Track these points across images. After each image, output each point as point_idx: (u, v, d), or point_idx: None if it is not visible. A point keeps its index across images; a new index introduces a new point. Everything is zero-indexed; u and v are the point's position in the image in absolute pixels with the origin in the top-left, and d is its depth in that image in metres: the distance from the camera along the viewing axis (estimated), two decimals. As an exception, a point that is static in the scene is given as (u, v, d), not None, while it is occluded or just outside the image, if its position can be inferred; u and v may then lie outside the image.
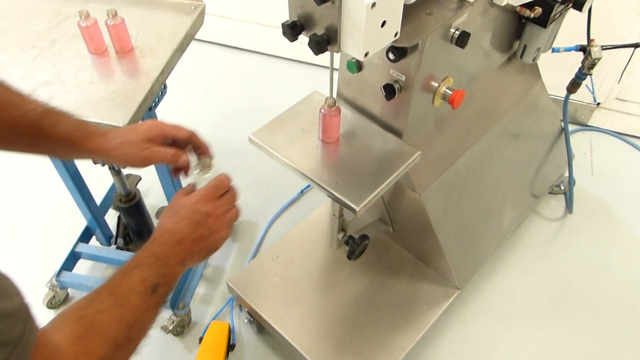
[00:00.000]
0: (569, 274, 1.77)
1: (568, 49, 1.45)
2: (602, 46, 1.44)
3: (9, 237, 1.96)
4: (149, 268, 0.72)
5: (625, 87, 2.13)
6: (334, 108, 1.04)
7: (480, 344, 1.61)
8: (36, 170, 2.16)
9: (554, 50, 1.43)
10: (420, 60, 1.00)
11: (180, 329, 1.63)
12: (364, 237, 1.28)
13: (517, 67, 1.42)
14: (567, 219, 1.93)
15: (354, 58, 1.09)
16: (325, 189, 1.02)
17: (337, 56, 1.07)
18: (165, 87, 1.37)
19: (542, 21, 1.22)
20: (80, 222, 1.77)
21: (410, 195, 1.26)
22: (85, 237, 1.77)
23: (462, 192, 1.39)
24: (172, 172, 0.97)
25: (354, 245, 1.26)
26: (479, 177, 1.43)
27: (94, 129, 0.88)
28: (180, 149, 0.93)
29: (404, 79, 1.04)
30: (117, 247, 1.77)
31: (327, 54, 0.94)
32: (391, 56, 0.98)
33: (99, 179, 1.90)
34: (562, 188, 1.97)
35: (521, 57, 1.34)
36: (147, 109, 1.25)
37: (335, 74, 1.11)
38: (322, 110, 1.04)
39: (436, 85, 1.10)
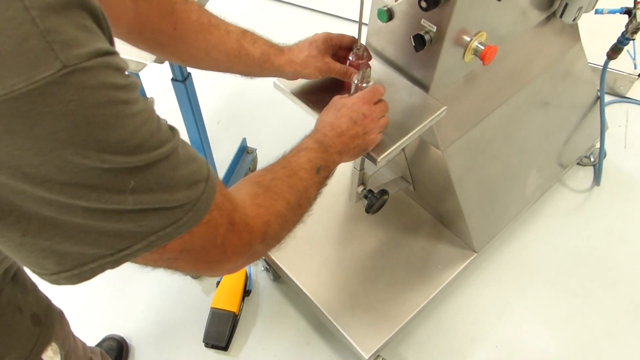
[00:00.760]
0: (590, 246, 1.74)
1: (612, 11, 1.39)
2: (649, 10, 1.38)
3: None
4: (314, 152, 0.81)
5: (670, 59, 2.04)
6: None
7: (492, 307, 1.61)
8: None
9: (597, 12, 1.36)
10: (452, 11, 0.96)
11: (199, 272, 1.67)
12: (383, 192, 1.27)
13: (555, 28, 1.36)
14: (593, 191, 1.89)
15: (385, 6, 1.06)
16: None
17: (367, 5, 1.05)
18: (194, 30, 1.36)
19: (587, -23, 1.17)
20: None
21: (432, 152, 1.24)
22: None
23: (486, 153, 1.36)
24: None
25: (372, 199, 1.26)
26: (505, 139, 1.40)
27: (281, 46, 0.99)
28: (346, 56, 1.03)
29: (434, 30, 1.01)
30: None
31: (357, 2, 0.92)
32: (423, 4, 0.95)
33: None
34: (592, 159, 1.92)
35: (561, 16, 1.28)
36: (175, 50, 1.24)
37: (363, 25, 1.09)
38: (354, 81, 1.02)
39: (468, 39, 1.06)
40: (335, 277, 1.47)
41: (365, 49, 1.03)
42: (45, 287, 0.85)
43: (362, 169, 1.27)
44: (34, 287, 0.82)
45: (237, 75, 1.00)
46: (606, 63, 1.55)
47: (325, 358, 1.52)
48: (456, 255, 1.51)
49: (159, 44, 0.88)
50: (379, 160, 0.97)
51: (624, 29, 1.43)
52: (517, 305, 1.62)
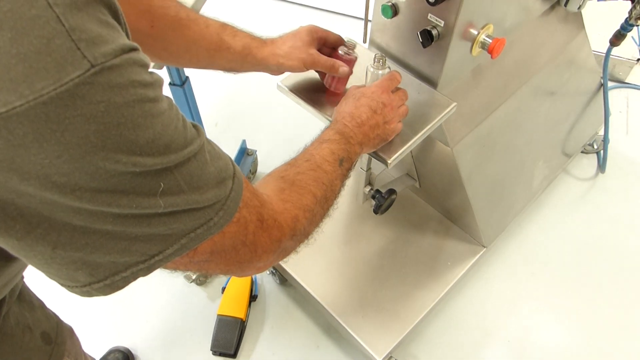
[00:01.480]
0: (597, 234, 1.73)
1: (615, -3, 1.36)
2: (652, -5, 1.35)
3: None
4: (336, 143, 0.80)
5: (669, 42, 2.03)
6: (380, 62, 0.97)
7: (503, 301, 1.59)
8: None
9: (600, -1, 1.34)
10: (461, 4, 0.93)
11: (204, 278, 1.64)
12: (391, 192, 1.24)
13: (559, 16, 1.33)
14: (598, 178, 1.88)
15: (389, 1, 1.02)
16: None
17: (372, 1, 1.02)
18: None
19: (592, -35, 1.14)
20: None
21: (441, 148, 1.21)
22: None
23: (494, 147, 1.34)
24: (326, 77, 1.02)
25: (381, 199, 1.23)
26: (512, 132, 1.38)
27: (264, 38, 0.95)
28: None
29: (442, 25, 0.98)
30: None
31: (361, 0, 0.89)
32: (431, -2, 0.92)
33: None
34: (595, 147, 1.90)
35: (565, 4, 1.26)
36: (172, 53, 1.21)
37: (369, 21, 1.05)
38: (369, 69, 0.97)
39: (476, 32, 1.03)
40: (343, 279, 1.45)
41: (355, 45, 1.00)
42: (50, 302, 0.83)
43: (369, 168, 1.24)
44: (41, 304, 0.79)
45: (220, 71, 0.97)
46: (609, 50, 1.53)
47: (336, 361, 1.50)
48: (465, 250, 1.49)
49: (137, 43, 0.84)
50: (390, 161, 0.94)
51: (627, 15, 1.40)
52: (527, 298, 1.60)
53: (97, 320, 1.61)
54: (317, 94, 1.06)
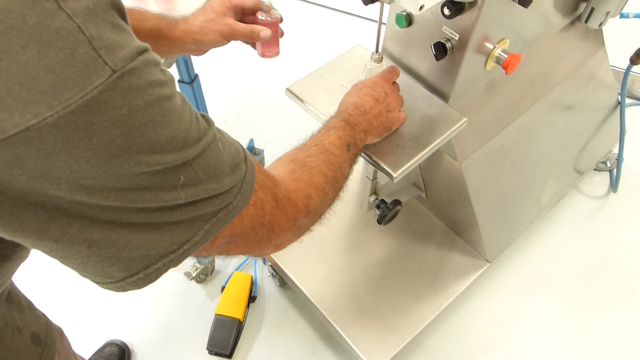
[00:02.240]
0: (605, 255, 1.69)
1: (638, 15, 1.33)
2: (676, 14, 1.31)
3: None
4: (342, 130, 0.81)
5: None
6: (379, 64, 0.97)
7: (505, 317, 1.57)
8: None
9: (622, 16, 1.30)
10: (477, 18, 0.91)
11: (203, 276, 1.64)
12: (396, 202, 1.22)
13: (579, 32, 1.30)
14: (609, 197, 1.84)
15: (404, 11, 1.00)
16: (362, 151, 0.96)
17: (386, 8, 1.00)
18: (201, 29, 1.30)
19: (616, -18, 1.11)
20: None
21: (449, 163, 1.19)
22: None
23: (504, 163, 1.31)
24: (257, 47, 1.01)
25: (385, 210, 1.21)
26: (524, 148, 1.35)
27: (175, 17, 0.90)
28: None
29: (457, 38, 0.96)
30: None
31: (376, 5, 0.87)
32: (446, 11, 0.89)
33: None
34: (609, 165, 1.87)
35: (586, 21, 1.23)
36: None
37: (382, 28, 1.03)
38: (368, 66, 0.97)
39: (491, 47, 1.01)
40: (344, 286, 1.43)
41: (270, 7, 0.95)
42: (41, 302, 0.82)
43: (374, 178, 1.22)
44: (29, 305, 0.79)
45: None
46: (629, 68, 1.49)
47: (332, 368, 1.49)
48: (469, 265, 1.47)
49: None
50: (395, 176, 0.92)
51: (649, 33, 1.37)
52: (530, 315, 1.57)
53: (95, 314, 1.61)
54: (327, 101, 1.04)
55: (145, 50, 0.43)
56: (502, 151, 1.26)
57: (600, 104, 1.59)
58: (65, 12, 0.38)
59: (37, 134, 0.38)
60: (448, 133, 0.98)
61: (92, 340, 1.52)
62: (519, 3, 0.93)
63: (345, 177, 0.80)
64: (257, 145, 1.85)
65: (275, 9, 0.96)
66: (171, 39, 0.89)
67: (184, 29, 0.89)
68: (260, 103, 2.16)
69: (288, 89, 1.05)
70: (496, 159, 1.26)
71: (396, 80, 0.96)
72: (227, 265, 1.69)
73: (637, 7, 1.33)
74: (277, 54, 1.01)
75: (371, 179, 1.20)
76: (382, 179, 1.26)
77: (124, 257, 0.49)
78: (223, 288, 1.60)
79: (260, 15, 0.94)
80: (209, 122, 0.53)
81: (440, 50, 0.97)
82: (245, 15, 0.95)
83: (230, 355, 1.50)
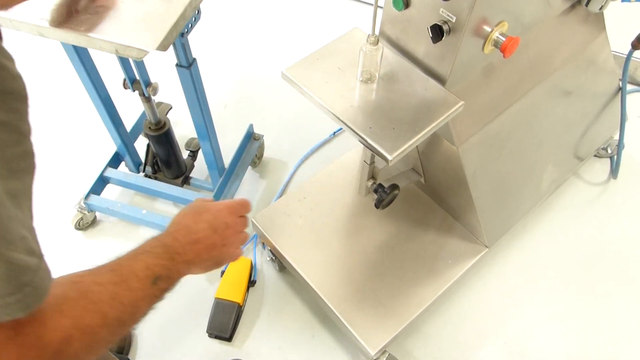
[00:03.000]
0: (604, 242, 1.69)
1: (640, -1, 1.31)
2: (678, -2, 1.30)
3: (41, 159, 1.97)
4: (156, 258, 0.69)
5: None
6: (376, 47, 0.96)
7: (503, 303, 1.57)
8: (68, 94, 2.15)
9: (623, 0, 1.29)
10: (475, 0, 0.90)
11: (203, 260, 1.64)
12: (394, 187, 1.23)
13: (580, 16, 1.29)
14: (609, 184, 1.84)
15: (401, -7, 1.00)
16: (358, 134, 0.96)
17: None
18: (199, 12, 1.30)
19: (616, -35, 1.10)
20: (110, 147, 1.77)
21: (446, 147, 1.19)
22: (114, 162, 1.77)
23: (502, 147, 1.31)
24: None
25: (383, 194, 1.22)
26: (522, 133, 1.35)
27: None
28: None
29: (454, 20, 0.95)
30: (146, 175, 1.77)
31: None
32: (443, -7, 0.89)
33: (130, 105, 1.88)
34: (609, 151, 1.86)
35: (587, 4, 1.22)
36: (179, 34, 1.19)
37: (380, 11, 1.03)
38: (364, 49, 0.97)
39: (489, 29, 1.00)
40: (342, 271, 1.44)
41: None
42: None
43: (372, 162, 1.22)
44: None
45: None
46: (630, 53, 1.48)
47: (330, 351, 1.50)
48: (467, 250, 1.47)
49: None
50: (391, 159, 0.92)
51: (651, 17, 1.36)
52: (528, 301, 1.58)
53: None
54: (323, 84, 1.04)
55: None
56: (500, 136, 1.26)
57: (601, 90, 1.58)
58: None
59: None
60: (444, 117, 0.98)
61: (93, 323, 1.53)
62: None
63: (137, 318, 0.66)
64: (257, 130, 1.85)
65: None
66: None
67: None
68: (260, 88, 2.16)
69: (284, 73, 1.05)
70: (494, 144, 1.26)
71: (247, 215, 0.86)
72: (226, 250, 1.70)
73: (639, -9, 1.32)
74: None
75: (369, 163, 1.20)
76: (380, 163, 1.26)
77: None
78: (223, 272, 1.61)
79: None
80: None
81: (437, 32, 0.96)
82: None
83: (230, 338, 1.52)
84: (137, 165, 1.81)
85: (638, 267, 1.64)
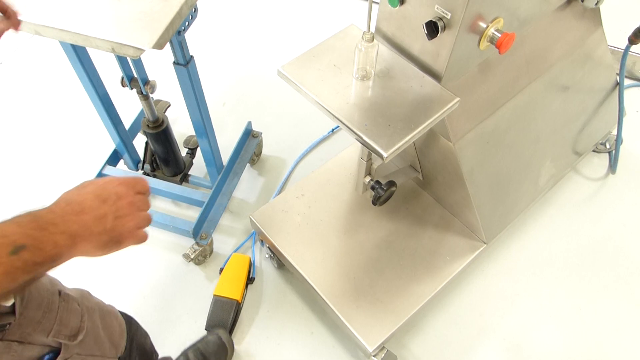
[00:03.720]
0: (603, 237, 1.70)
1: (636, -5, 1.31)
2: (675, -7, 1.30)
3: (39, 157, 1.98)
4: (18, 226, 0.61)
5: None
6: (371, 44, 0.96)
7: (501, 299, 1.58)
8: (67, 92, 2.15)
9: (620, -5, 1.29)
10: (469, -4, 0.90)
11: (202, 258, 1.65)
12: (391, 184, 1.23)
13: (576, 12, 1.29)
14: (608, 179, 1.83)
15: (396, -10, 1.00)
16: (353, 131, 0.96)
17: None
18: (196, 10, 1.30)
19: (612, -40, 1.09)
20: (109, 145, 1.77)
21: (443, 143, 1.19)
22: (113, 160, 1.77)
23: (499, 143, 1.31)
24: None
25: (380, 191, 1.22)
26: (520, 129, 1.35)
27: None
28: None
29: (449, 17, 0.95)
30: (144, 173, 1.77)
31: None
32: (437, -10, 0.89)
33: (128, 103, 1.88)
34: (608, 146, 1.86)
35: (582, 0, 1.21)
36: (176, 32, 1.20)
37: (375, 8, 1.03)
38: (359, 46, 0.97)
39: (484, 26, 1.00)
40: (340, 267, 1.44)
41: None
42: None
43: (369, 159, 1.22)
44: None
45: None
46: (627, 48, 1.48)
47: (329, 348, 1.50)
48: (465, 246, 1.47)
49: None
50: (386, 156, 0.92)
51: (648, 12, 1.36)
52: (526, 297, 1.58)
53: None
54: (319, 81, 1.04)
55: None
56: (496, 132, 1.26)
57: (598, 85, 1.58)
58: None
59: None
60: (440, 113, 0.98)
61: (93, 321, 1.54)
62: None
63: None
64: (255, 127, 1.85)
65: None
66: None
67: None
68: (259, 85, 2.16)
69: (280, 70, 1.05)
70: (491, 140, 1.26)
71: (146, 185, 0.77)
72: (225, 247, 1.71)
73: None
74: None
75: (365, 160, 1.20)
76: (377, 160, 1.26)
77: None
78: (221, 269, 1.62)
79: None
80: None
81: (432, 29, 0.96)
82: None
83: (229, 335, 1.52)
84: (135, 163, 1.81)
85: (637, 262, 1.64)
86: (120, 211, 0.70)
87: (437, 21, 0.95)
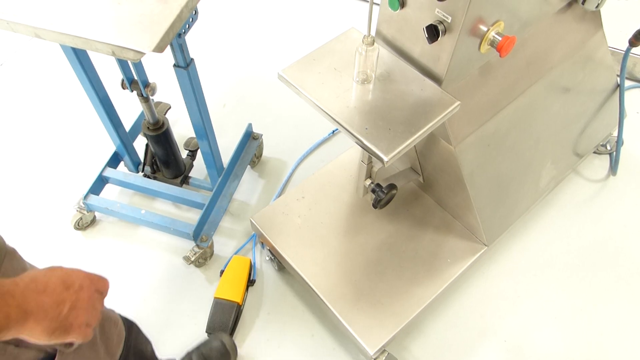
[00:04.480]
0: (604, 238, 1.69)
1: (637, -3, 1.31)
2: (676, -5, 1.30)
3: (39, 160, 1.98)
4: None
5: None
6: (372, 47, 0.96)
7: (503, 301, 1.58)
8: (67, 94, 2.15)
9: (620, -3, 1.29)
10: (470, 0, 0.90)
11: (202, 260, 1.65)
12: (392, 187, 1.23)
13: (576, 14, 1.29)
14: (609, 181, 1.83)
15: (396, -7, 1.00)
16: (354, 135, 0.96)
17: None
18: (196, 12, 1.30)
19: (613, -37, 1.09)
20: (109, 147, 1.77)
21: (443, 146, 1.19)
22: (113, 162, 1.77)
23: (500, 146, 1.31)
24: None
25: (380, 194, 1.22)
26: (520, 131, 1.34)
27: None
28: None
29: (449, 20, 0.95)
30: (145, 175, 1.77)
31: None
32: (438, -6, 0.89)
33: (129, 105, 1.88)
34: (608, 148, 1.86)
35: (583, 3, 1.21)
36: (176, 35, 1.19)
37: (376, 11, 1.03)
38: (359, 50, 0.97)
39: (485, 29, 1.00)
40: (341, 270, 1.44)
41: None
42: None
43: (369, 162, 1.22)
44: None
45: None
46: (628, 50, 1.48)
47: (329, 350, 1.50)
48: (466, 248, 1.47)
49: None
50: (387, 160, 0.92)
51: (649, 14, 1.35)
52: (527, 298, 1.58)
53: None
54: (319, 85, 1.04)
55: None
56: (497, 135, 1.26)
57: (599, 87, 1.58)
58: None
59: None
60: (440, 117, 0.98)
61: (93, 323, 1.54)
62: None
63: None
64: (256, 129, 1.85)
65: None
66: None
67: None
68: (259, 87, 2.16)
69: (280, 74, 1.05)
70: (491, 143, 1.25)
71: (108, 286, 0.77)
72: (226, 249, 1.71)
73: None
74: None
75: (366, 163, 1.20)
76: (377, 163, 1.26)
77: None
78: (222, 272, 1.62)
79: None
80: None
81: (433, 32, 0.96)
82: None
83: (229, 338, 1.52)
84: (136, 165, 1.81)
85: (638, 263, 1.64)
86: (78, 302, 0.69)
87: (438, 25, 0.95)
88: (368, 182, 1.26)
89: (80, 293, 0.70)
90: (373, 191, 1.24)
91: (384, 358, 1.35)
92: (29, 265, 0.86)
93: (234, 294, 1.56)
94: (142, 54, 1.06)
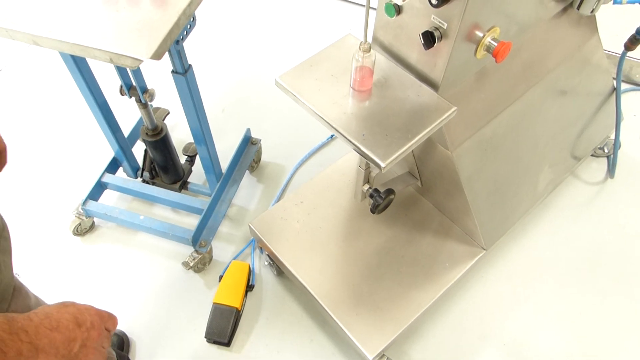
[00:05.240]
0: (603, 241, 1.70)
1: (632, 1, 1.32)
2: (671, -1, 1.30)
3: (38, 165, 1.98)
4: None
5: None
6: (368, 54, 0.97)
7: (502, 304, 1.58)
8: (66, 100, 2.16)
9: (615, 2, 1.29)
10: (465, 7, 0.91)
11: (201, 266, 1.65)
12: (390, 192, 1.23)
13: (572, 19, 1.29)
14: (607, 183, 1.84)
15: (392, 0, 1.00)
16: (351, 142, 0.97)
17: (374, -3, 1.00)
18: (194, 19, 1.30)
19: (608, -32, 1.10)
20: (108, 153, 1.77)
21: (441, 152, 1.19)
22: (112, 168, 1.77)
23: (497, 151, 1.31)
24: None
25: (378, 199, 1.22)
26: (518, 136, 1.35)
27: None
28: None
29: (445, 27, 0.96)
30: (143, 181, 1.78)
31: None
32: (433, 1, 0.89)
33: (127, 111, 1.89)
34: (606, 151, 1.86)
35: (578, 8, 1.22)
36: (174, 42, 1.20)
37: (373, 17, 1.03)
38: (356, 56, 0.98)
39: (481, 35, 1.01)
40: (339, 275, 1.44)
41: None
42: (41, 292, 0.82)
43: (367, 168, 1.22)
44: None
45: None
46: (623, 54, 1.48)
47: (329, 355, 1.50)
48: (464, 252, 1.48)
49: None
50: (384, 166, 0.92)
51: (644, 18, 1.36)
52: (526, 302, 1.58)
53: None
54: (316, 91, 1.04)
55: None
56: (494, 139, 1.26)
57: (596, 90, 1.58)
58: None
59: None
60: (437, 122, 0.98)
61: (93, 329, 1.53)
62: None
63: None
64: (254, 134, 1.86)
65: None
66: None
67: None
68: (257, 92, 2.17)
69: (277, 80, 1.06)
70: (488, 147, 1.26)
71: (116, 323, 0.80)
72: (225, 254, 1.71)
73: (632, -8, 1.32)
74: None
75: (364, 168, 1.20)
76: (375, 168, 1.27)
77: None
78: (221, 277, 1.62)
79: None
80: None
81: (429, 39, 0.96)
82: None
83: (228, 343, 1.52)
84: (134, 171, 1.81)
85: (636, 265, 1.64)
86: (89, 341, 0.70)
87: (434, 31, 0.96)
88: (366, 187, 1.27)
89: (91, 331, 0.71)
90: (371, 196, 1.24)
91: (383, 363, 1.36)
92: (33, 297, 0.85)
93: (232, 299, 1.56)
94: (140, 61, 1.07)
